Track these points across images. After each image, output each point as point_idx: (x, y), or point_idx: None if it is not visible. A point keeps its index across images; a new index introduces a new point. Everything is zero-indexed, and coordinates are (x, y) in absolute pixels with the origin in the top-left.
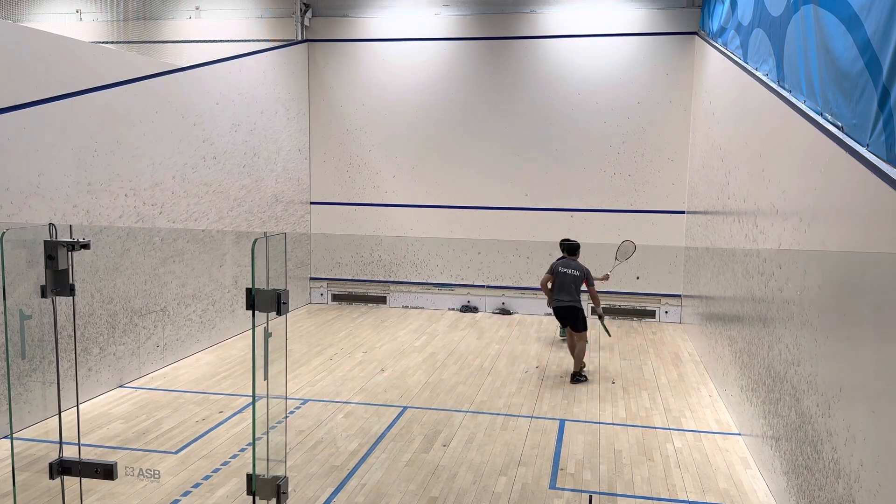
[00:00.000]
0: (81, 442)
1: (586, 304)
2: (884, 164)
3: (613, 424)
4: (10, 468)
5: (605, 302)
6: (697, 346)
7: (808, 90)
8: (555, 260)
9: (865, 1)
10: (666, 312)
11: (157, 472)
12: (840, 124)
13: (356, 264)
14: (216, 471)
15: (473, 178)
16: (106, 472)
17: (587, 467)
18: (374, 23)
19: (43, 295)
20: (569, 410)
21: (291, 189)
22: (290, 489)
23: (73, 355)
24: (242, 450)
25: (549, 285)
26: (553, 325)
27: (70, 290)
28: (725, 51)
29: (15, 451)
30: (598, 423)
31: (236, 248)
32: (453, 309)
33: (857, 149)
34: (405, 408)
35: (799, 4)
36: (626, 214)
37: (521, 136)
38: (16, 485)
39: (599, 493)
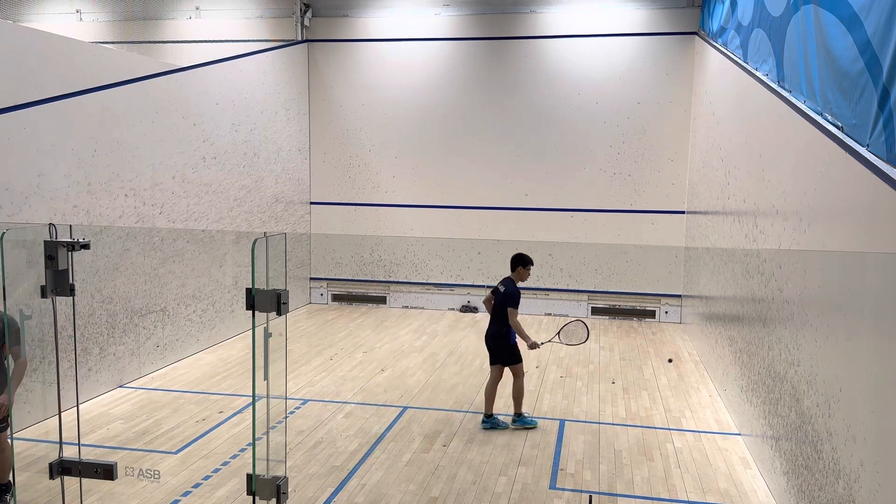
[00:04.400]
0: (81, 442)
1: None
2: (883, 164)
3: (613, 424)
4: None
5: (606, 301)
6: (697, 346)
7: (808, 90)
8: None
9: (865, 1)
10: (666, 312)
11: (157, 472)
12: (840, 124)
13: (356, 264)
14: (216, 471)
15: (473, 178)
16: (106, 472)
17: (587, 467)
18: (374, 23)
19: (43, 295)
20: (569, 410)
21: (291, 189)
22: (290, 489)
23: (73, 355)
24: (242, 450)
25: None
26: (554, 325)
27: (70, 290)
28: (725, 51)
29: (15, 451)
30: (598, 423)
31: (236, 248)
32: (453, 309)
33: (857, 149)
34: (405, 408)
35: (799, 4)
36: (625, 214)
37: (521, 136)
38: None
39: (599, 493)
